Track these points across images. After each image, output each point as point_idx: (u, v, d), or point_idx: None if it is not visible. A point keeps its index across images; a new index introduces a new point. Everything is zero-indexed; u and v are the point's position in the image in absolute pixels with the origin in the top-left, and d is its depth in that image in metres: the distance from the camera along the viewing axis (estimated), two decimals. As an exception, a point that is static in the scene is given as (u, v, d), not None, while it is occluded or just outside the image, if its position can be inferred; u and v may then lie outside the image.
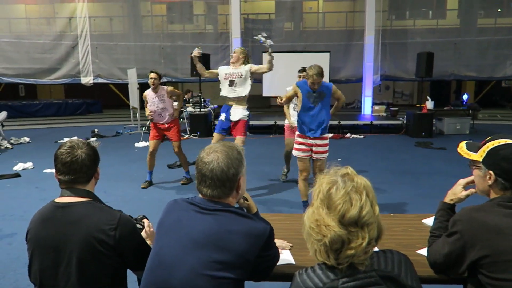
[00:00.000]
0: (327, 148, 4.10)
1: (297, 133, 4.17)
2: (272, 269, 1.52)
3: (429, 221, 2.22)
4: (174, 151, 5.57)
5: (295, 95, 4.13)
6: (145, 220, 1.82)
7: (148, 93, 5.38)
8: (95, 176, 1.72)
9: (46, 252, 1.56)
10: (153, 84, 5.25)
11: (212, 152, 1.46)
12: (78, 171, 1.62)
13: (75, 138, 1.70)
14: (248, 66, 4.88)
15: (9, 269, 3.20)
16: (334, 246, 1.08)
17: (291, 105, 5.12)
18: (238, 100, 4.92)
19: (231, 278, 1.33)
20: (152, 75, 5.27)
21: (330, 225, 1.09)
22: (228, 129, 4.99)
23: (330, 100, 4.06)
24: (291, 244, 1.94)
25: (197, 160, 1.50)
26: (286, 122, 5.41)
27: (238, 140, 4.85)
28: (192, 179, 5.64)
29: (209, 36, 13.67)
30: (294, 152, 4.14)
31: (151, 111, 5.34)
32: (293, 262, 1.79)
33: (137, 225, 1.79)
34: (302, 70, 5.04)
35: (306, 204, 4.21)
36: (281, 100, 4.20)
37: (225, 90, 4.99)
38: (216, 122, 4.74)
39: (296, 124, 4.19)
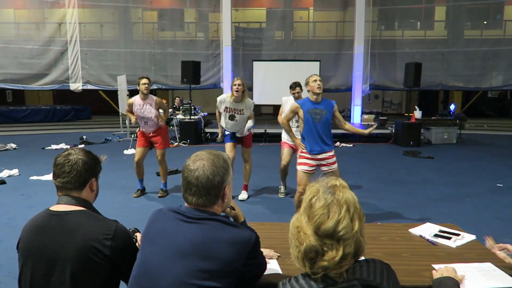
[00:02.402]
0: (334, 159, 3.99)
1: (302, 150, 4.00)
2: (259, 278, 1.52)
3: (416, 230, 2.24)
4: (158, 159, 5.34)
5: (294, 115, 4.01)
6: (137, 234, 1.80)
7: (136, 99, 5.21)
8: (91, 187, 1.68)
9: (38, 261, 1.52)
10: (146, 89, 5.08)
11: (198, 160, 1.46)
12: (68, 174, 1.60)
13: (79, 146, 1.69)
14: (250, 105, 4.97)
15: (-9, 278, 3.13)
16: (308, 255, 1.09)
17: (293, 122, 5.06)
18: (244, 125, 5.09)
19: (218, 287, 1.32)
20: (145, 80, 5.11)
21: (307, 234, 1.10)
22: (237, 139, 5.20)
23: (331, 118, 3.93)
24: (278, 254, 1.93)
25: (183, 168, 1.49)
26: (284, 135, 5.27)
27: (246, 150, 5.19)
28: (168, 192, 5.51)
29: (200, 43, 13.71)
30: (299, 167, 3.97)
31: (138, 120, 5.24)
32: (279, 271, 1.78)
33: None
34: (294, 86, 4.98)
35: None
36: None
37: (227, 123, 5.06)
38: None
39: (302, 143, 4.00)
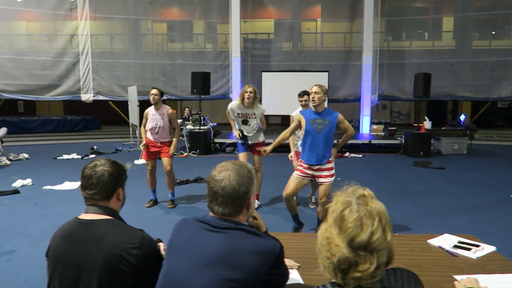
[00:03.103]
0: (332, 172, 3.90)
1: (300, 158, 4.03)
2: (283, 286, 1.53)
3: (435, 241, 2.23)
4: (166, 169, 5.24)
5: (299, 124, 3.95)
6: (160, 244, 1.82)
7: (150, 109, 5.31)
8: (117, 197, 1.71)
9: (66, 269, 1.55)
10: (153, 100, 5.12)
11: (223, 171, 1.49)
12: (95, 186, 1.64)
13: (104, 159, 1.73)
14: (262, 110, 5.20)
15: (8, 287, 3.16)
16: (341, 266, 1.09)
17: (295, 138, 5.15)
18: (256, 133, 5.29)
19: None
20: (154, 91, 5.17)
21: (339, 246, 1.10)
22: (249, 148, 5.32)
23: (334, 130, 3.86)
24: (298, 264, 1.94)
25: (208, 178, 1.52)
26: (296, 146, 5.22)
27: (259, 159, 5.25)
28: (175, 203, 5.49)
29: (209, 54, 13.86)
30: (295, 172, 3.99)
31: (149, 129, 5.25)
32: (301, 281, 1.79)
33: None
34: (302, 94, 5.02)
35: (295, 218, 4.17)
36: (265, 152, 4.09)
37: (242, 127, 5.28)
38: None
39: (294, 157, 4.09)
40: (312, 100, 3.75)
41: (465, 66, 12.99)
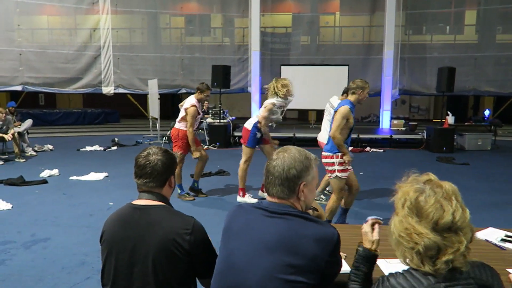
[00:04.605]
0: (329, 168, 3.84)
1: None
2: (336, 276, 1.51)
3: (480, 234, 2.20)
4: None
5: (345, 121, 3.78)
6: None
7: (197, 105, 5.14)
8: (170, 184, 1.75)
9: (122, 252, 1.58)
10: (206, 101, 5.23)
11: (281, 152, 1.52)
12: (149, 175, 1.67)
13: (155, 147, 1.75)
14: (289, 100, 5.20)
15: (46, 273, 3.23)
16: (429, 253, 1.09)
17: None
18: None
19: (304, 282, 1.34)
20: (209, 92, 5.23)
21: (422, 233, 1.10)
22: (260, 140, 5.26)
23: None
24: (345, 254, 1.94)
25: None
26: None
27: (271, 147, 5.16)
28: (192, 197, 5.44)
29: (227, 48, 13.85)
30: (344, 173, 3.91)
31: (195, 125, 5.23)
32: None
33: None
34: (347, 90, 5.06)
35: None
36: None
37: (277, 116, 5.23)
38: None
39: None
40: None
41: (489, 61, 12.70)
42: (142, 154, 1.72)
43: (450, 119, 10.06)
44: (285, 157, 1.48)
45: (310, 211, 1.66)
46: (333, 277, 1.49)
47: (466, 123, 10.73)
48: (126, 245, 1.58)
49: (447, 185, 1.17)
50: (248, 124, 5.15)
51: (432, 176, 1.21)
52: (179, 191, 5.40)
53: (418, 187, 1.17)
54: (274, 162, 1.49)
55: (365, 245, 1.48)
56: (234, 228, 1.50)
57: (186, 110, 5.15)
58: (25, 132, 8.58)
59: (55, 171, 6.67)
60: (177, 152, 5.20)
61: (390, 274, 1.18)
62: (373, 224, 1.51)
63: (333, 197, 3.95)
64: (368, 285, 1.44)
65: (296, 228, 1.40)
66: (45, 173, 6.54)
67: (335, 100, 5.30)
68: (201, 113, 5.34)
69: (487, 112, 10.86)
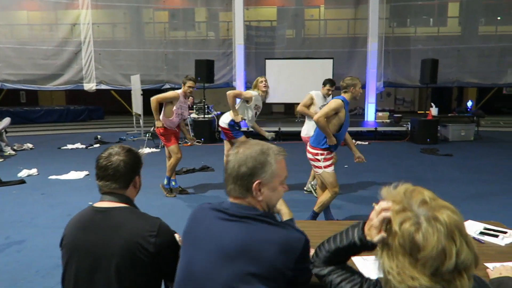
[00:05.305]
0: (315, 163, 3.84)
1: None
2: (307, 284, 1.40)
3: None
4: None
5: (335, 114, 3.75)
6: (176, 235, 1.78)
7: (181, 95, 5.14)
8: (134, 185, 1.66)
9: (83, 257, 1.50)
10: (190, 92, 5.15)
11: (237, 147, 1.41)
12: (111, 177, 1.58)
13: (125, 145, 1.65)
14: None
15: (19, 277, 3.12)
16: None
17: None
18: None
19: None
20: (191, 83, 5.11)
21: (418, 278, 0.93)
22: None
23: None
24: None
25: None
26: (305, 131, 5.31)
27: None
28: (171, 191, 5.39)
29: (212, 43, 13.69)
30: (330, 168, 3.93)
31: (174, 114, 5.12)
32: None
33: None
34: (332, 83, 5.22)
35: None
36: None
37: (250, 117, 5.17)
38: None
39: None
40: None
41: (472, 52, 12.81)
42: (103, 155, 1.62)
43: (434, 110, 10.13)
44: (238, 153, 1.36)
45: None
46: (306, 284, 1.38)
47: (449, 115, 10.82)
48: (88, 250, 1.50)
49: (446, 212, 0.95)
50: (223, 123, 5.17)
51: (426, 194, 1.00)
52: (165, 181, 5.33)
53: (413, 218, 0.96)
54: (229, 157, 1.39)
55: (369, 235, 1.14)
56: (194, 234, 1.41)
57: None
58: (3, 131, 8.35)
59: (33, 171, 6.50)
60: (170, 146, 5.18)
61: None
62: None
63: (326, 192, 3.92)
64: (341, 258, 1.26)
65: (257, 233, 1.30)
66: (23, 173, 6.37)
67: (319, 95, 5.25)
68: (186, 105, 5.25)
69: (469, 103, 10.97)
